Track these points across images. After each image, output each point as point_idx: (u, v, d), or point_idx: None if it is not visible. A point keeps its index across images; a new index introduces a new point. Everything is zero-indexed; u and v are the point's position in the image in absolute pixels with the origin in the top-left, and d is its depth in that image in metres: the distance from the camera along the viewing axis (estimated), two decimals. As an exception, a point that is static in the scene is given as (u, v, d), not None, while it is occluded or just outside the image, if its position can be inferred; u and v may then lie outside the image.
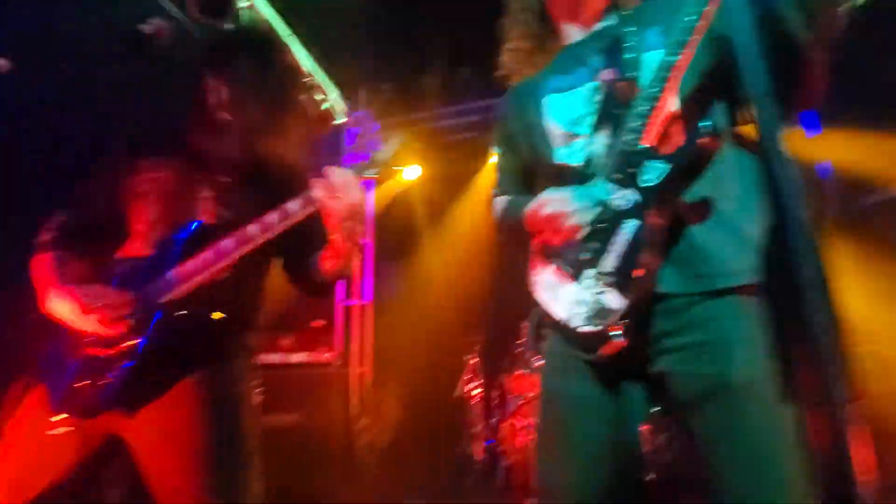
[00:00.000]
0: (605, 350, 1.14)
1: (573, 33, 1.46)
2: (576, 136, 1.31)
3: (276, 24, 4.53)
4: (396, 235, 5.96)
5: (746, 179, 1.19)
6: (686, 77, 1.14)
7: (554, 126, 1.36)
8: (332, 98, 5.51)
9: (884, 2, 3.38)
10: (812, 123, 5.00)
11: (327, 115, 5.05)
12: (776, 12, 1.01)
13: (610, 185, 1.20)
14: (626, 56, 1.28)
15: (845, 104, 4.63)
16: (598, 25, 1.42)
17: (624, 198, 1.16)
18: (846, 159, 4.46)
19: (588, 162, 1.27)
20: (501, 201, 1.55)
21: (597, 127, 1.26)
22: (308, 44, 5.30)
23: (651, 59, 1.19)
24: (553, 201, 1.25)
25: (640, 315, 1.14)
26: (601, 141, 1.25)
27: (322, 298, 2.05)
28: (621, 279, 1.13)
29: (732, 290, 1.13)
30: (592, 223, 1.20)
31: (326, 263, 1.60)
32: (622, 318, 1.12)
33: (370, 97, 5.92)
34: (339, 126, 5.95)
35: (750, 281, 1.14)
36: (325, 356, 4.48)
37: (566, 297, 1.25)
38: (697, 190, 1.15)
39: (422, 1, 4.56)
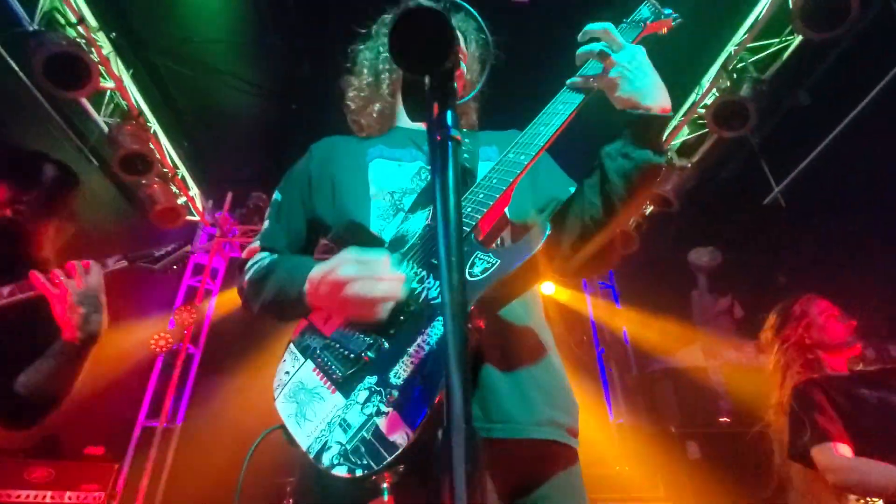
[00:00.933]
0: None
1: (403, 121, 1.37)
2: (398, 209, 1.12)
3: (144, 113, 4.40)
4: (229, 346, 5.38)
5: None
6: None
7: (375, 191, 1.16)
8: (190, 194, 5.30)
9: (689, 204, 4.63)
10: (616, 298, 6.23)
11: (178, 210, 4.77)
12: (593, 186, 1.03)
13: (421, 270, 0.95)
14: (462, 154, 1.17)
15: (639, 288, 5.99)
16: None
17: (434, 288, 0.90)
18: (638, 332, 5.53)
19: (400, 239, 1.03)
20: (265, 257, 1.19)
21: (416, 205, 1.08)
22: (180, 138, 5.24)
23: (486, 167, 1.07)
24: (366, 263, 0.93)
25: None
26: (419, 221, 1.04)
27: (24, 424, 1.42)
28: (415, 400, 0.78)
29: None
30: (395, 308, 0.90)
31: (48, 358, 1.39)
32: (401, 460, 0.75)
33: (239, 200, 5.84)
34: (193, 223, 5.66)
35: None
36: (95, 497, 3.21)
37: (321, 414, 0.89)
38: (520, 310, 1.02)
39: (309, 113, 4.80)
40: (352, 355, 0.92)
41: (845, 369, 2.17)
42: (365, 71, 1.40)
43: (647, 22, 1.07)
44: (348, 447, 0.81)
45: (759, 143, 4.44)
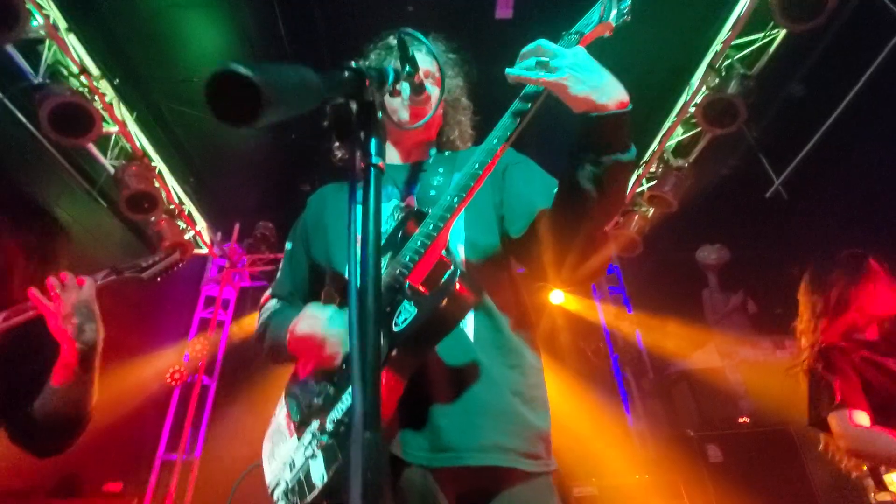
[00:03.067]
0: None
1: (391, 155, 1.38)
2: None
3: (149, 153, 4.54)
4: (245, 376, 5.42)
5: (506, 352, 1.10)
6: (460, 223, 1.10)
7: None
8: (198, 228, 5.43)
9: (691, 204, 4.61)
10: (627, 303, 6.17)
11: (186, 245, 4.88)
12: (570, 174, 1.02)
13: None
14: (429, 192, 1.21)
15: (650, 291, 5.93)
16: (416, 158, 1.39)
17: None
18: (651, 335, 5.45)
19: None
20: (272, 305, 1.32)
21: (384, 249, 1.10)
22: (186, 175, 5.40)
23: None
24: (318, 319, 1.05)
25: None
26: (383, 266, 1.07)
27: (51, 451, 1.45)
28: (338, 441, 0.88)
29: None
30: (344, 360, 0.98)
31: (56, 378, 1.40)
32: (322, 499, 0.87)
33: (247, 231, 5.95)
34: (201, 256, 5.78)
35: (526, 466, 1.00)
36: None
37: (281, 456, 1.02)
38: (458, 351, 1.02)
39: (310, 140, 4.89)
40: (307, 401, 1.01)
41: (876, 335, 2.04)
42: None
43: (586, 31, 1.05)
44: (290, 485, 0.93)
45: (756, 137, 4.42)
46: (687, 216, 4.83)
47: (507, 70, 1.03)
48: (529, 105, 1.02)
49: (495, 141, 1.03)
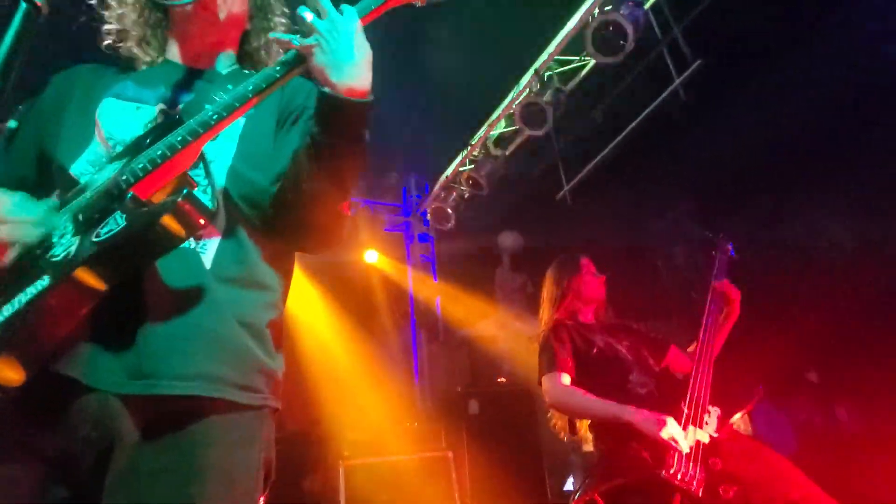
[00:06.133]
0: None
1: (173, 52, 1.25)
2: (112, 154, 1.03)
3: None
4: None
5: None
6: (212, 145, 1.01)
7: (101, 134, 1.07)
8: None
9: (500, 191, 5.04)
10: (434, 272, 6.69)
11: None
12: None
13: (69, 223, 0.90)
14: (202, 105, 1.02)
15: (455, 263, 6.53)
16: (204, 66, 1.24)
17: (65, 244, 0.86)
18: (447, 304, 6.06)
19: (84, 188, 0.97)
20: None
21: (120, 154, 0.99)
22: None
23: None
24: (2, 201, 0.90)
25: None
26: (113, 170, 0.95)
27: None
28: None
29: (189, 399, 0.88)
30: (20, 255, 0.87)
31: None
32: None
33: None
34: None
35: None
36: None
37: None
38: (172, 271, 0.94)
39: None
40: None
41: (592, 318, 2.66)
42: None
43: None
44: None
45: (560, 146, 5.12)
46: (496, 200, 5.39)
47: (271, 34, 1.03)
48: (296, 60, 0.98)
49: (278, 68, 0.96)
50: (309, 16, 0.95)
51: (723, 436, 1.94)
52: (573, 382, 2.30)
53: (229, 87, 1.11)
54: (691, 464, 1.84)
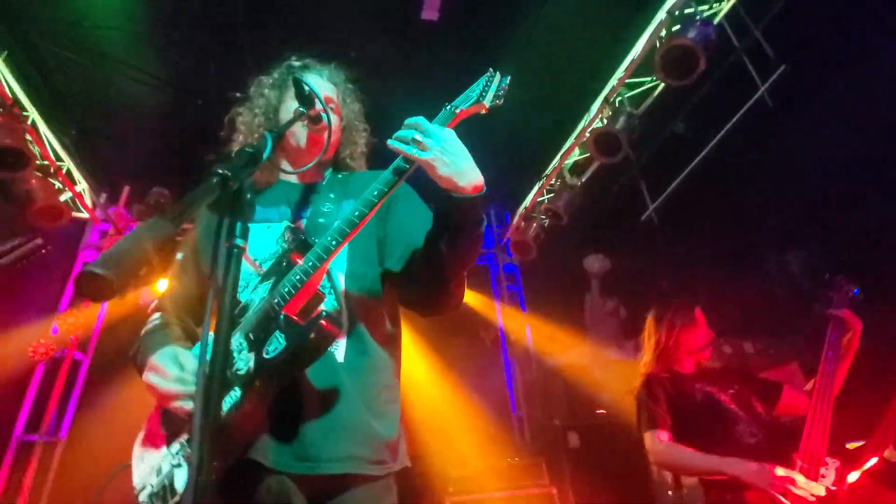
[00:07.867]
0: None
1: (286, 173, 1.46)
2: (259, 274, 1.24)
3: (20, 101, 4.04)
4: (123, 352, 5.04)
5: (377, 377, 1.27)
6: (344, 256, 1.24)
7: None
8: (77, 189, 4.92)
9: (579, 218, 5.06)
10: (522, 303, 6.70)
11: (61, 207, 4.43)
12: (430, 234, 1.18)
13: (243, 340, 1.12)
14: (318, 218, 1.33)
15: (543, 295, 6.50)
16: (311, 179, 1.48)
17: (243, 360, 1.09)
18: (537, 333, 6.03)
19: (244, 308, 1.19)
20: (151, 321, 1.34)
21: (267, 274, 1.21)
22: (67, 128, 4.83)
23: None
24: (165, 373, 1.12)
25: None
26: (265, 290, 1.18)
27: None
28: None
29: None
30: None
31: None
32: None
33: (139, 195, 5.47)
34: (81, 220, 5.26)
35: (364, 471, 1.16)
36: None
37: (150, 461, 1.15)
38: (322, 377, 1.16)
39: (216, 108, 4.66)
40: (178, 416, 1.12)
41: (692, 369, 2.55)
42: (243, 130, 1.50)
43: (459, 109, 1.19)
44: (155, 489, 1.08)
45: (639, 167, 5.00)
46: (577, 227, 5.35)
47: (389, 140, 1.18)
48: (408, 167, 1.17)
49: (375, 193, 1.15)
50: (419, 136, 1.14)
51: (841, 489, 1.79)
52: (676, 437, 2.26)
53: (332, 195, 1.39)
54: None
